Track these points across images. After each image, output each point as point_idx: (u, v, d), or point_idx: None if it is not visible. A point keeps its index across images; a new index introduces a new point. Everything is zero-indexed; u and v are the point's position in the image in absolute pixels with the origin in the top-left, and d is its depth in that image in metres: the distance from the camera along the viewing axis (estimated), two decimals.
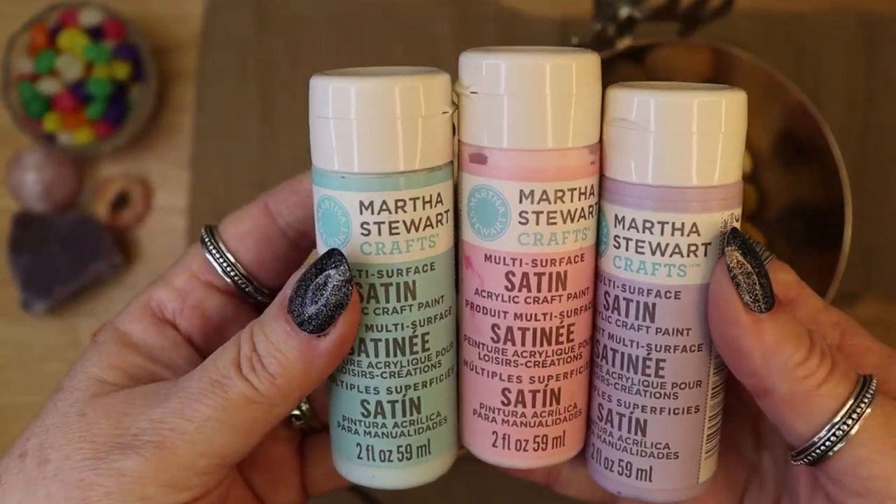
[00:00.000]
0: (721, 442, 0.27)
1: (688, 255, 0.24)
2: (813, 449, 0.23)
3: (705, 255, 0.24)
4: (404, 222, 0.23)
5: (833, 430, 0.23)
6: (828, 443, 0.23)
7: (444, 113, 0.23)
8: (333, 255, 0.22)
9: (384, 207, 0.23)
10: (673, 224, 0.23)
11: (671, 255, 0.24)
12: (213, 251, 0.26)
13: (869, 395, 0.23)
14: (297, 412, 0.29)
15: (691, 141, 0.23)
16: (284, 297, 0.23)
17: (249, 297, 0.27)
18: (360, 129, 0.22)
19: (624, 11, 0.50)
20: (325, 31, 0.64)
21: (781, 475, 0.28)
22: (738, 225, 0.24)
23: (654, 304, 0.24)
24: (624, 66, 0.54)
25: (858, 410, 0.23)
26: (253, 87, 0.64)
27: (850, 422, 0.22)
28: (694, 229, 0.23)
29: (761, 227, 0.58)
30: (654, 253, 0.24)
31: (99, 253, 0.61)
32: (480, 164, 0.24)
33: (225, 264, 0.26)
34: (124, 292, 0.64)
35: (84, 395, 0.24)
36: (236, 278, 0.27)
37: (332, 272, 0.22)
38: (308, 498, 0.31)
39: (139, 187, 0.62)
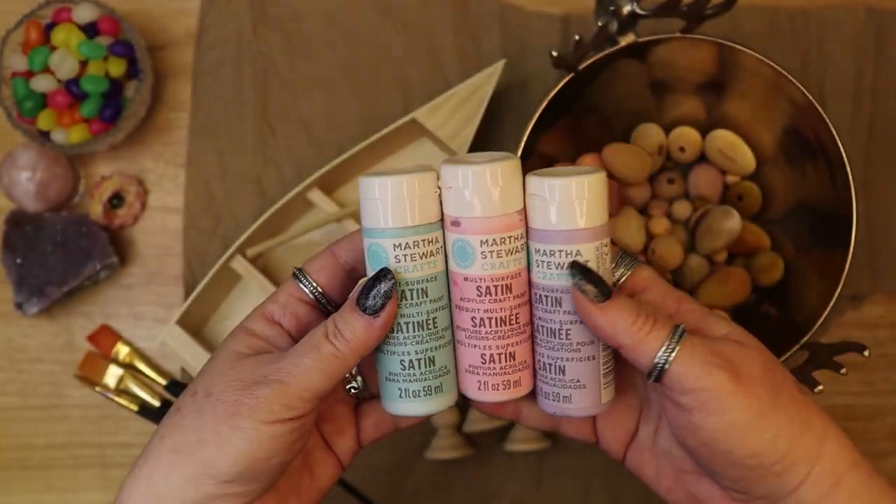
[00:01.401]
0: (621, 382, 0.43)
1: None
2: (652, 372, 0.39)
3: None
4: (418, 254, 0.40)
5: (659, 358, 0.39)
6: (658, 366, 0.38)
7: (435, 192, 0.41)
8: (384, 271, 0.40)
9: (407, 246, 0.40)
10: (567, 251, 0.41)
11: (566, 269, 0.42)
12: (303, 279, 0.43)
13: (678, 336, 0.39)
14: (353, 384, 0.45)
15: (574, 204, 0.41)
16: (354, 296, 0.40)
17: (323, 307, 0.42)
18: (392, 203, 0.40)
19: (626, 7, 0.50)
20: (322, 27, 0.62)
21: (659, 399, 0.44)
22: (607, 248, 0.41)
23: (560, 297, 0.41)
24: (626, 63, 0.54)
25: (672, 345, 0.38)
26: (249, 84, 0.62)
27: (668, 352, 0.38)
28: (578, 253, 0.41)
29: (765, 227, 0.58)
30: (557, 268, 0.41)
31: (93, 253, 0.59)
32: (457, 226, 0.41)
33: (310, 287, 0.42)
34: (120, 293, 0.61)
35: (230, 359, 0.39)
36: (317, 295, 0.42)
37: (384, 281, 0.40)
38: (360, 447, 0.46)
39: (134, 186, 0.61)
